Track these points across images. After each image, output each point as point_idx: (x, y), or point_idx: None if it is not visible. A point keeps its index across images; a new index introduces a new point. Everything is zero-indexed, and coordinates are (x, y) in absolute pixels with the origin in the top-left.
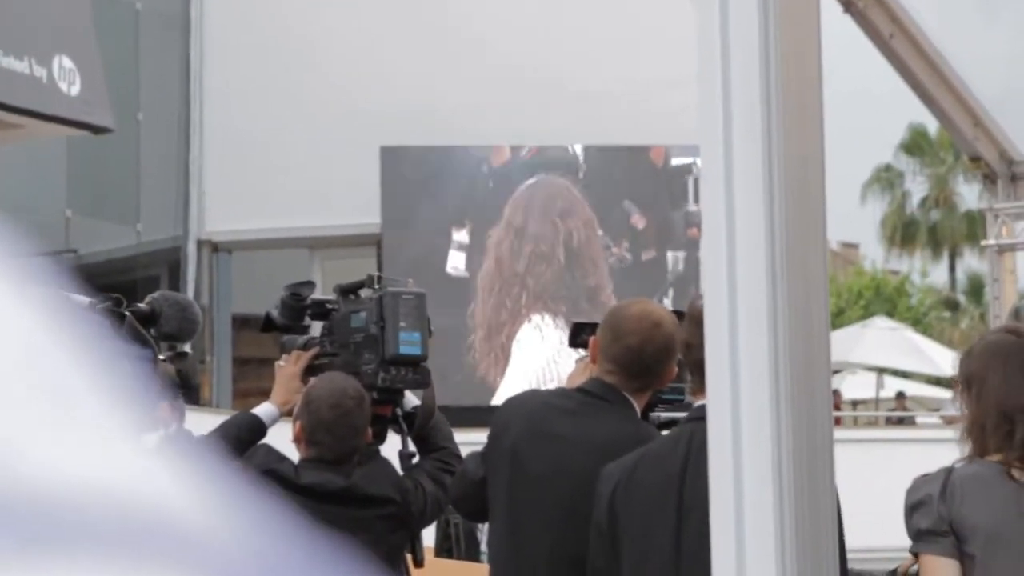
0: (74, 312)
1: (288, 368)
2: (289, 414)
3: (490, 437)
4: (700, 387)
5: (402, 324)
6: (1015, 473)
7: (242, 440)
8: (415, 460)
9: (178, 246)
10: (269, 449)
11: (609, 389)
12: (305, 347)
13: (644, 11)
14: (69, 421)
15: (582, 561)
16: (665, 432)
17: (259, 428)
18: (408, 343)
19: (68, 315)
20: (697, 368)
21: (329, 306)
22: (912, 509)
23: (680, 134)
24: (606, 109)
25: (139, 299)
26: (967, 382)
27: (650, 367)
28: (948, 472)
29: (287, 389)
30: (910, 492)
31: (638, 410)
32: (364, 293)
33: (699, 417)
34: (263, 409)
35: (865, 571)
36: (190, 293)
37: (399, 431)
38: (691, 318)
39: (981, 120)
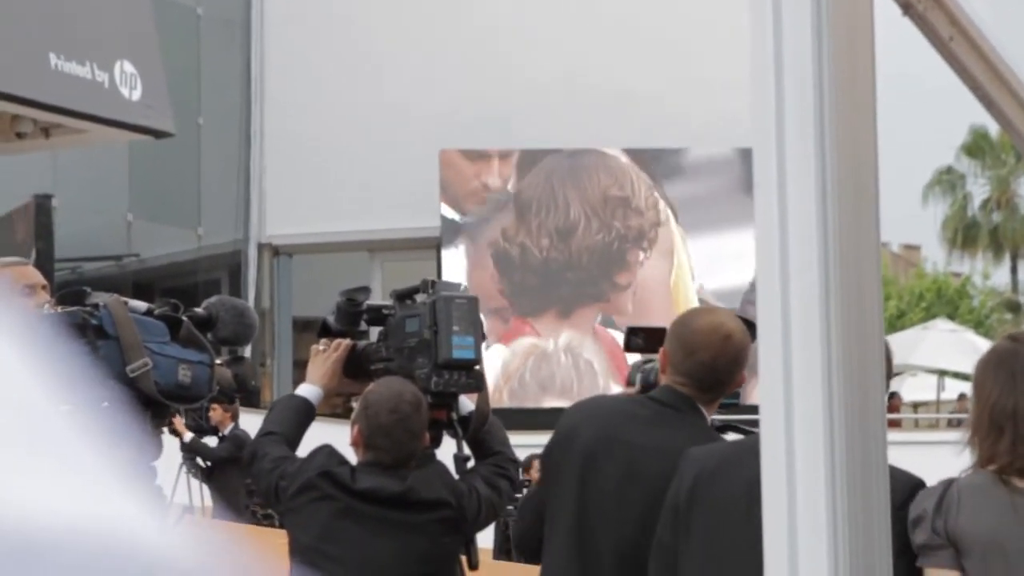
0: (50, 352)
1: (327, 353)
2: (340, 410)
3: (556, 440)
4: None
5: (455, 328)
6: (1011, 479)
7: (301, 422)
8: (470, 464)
9: (239, 250)
10: (331, 451)
11: (682, 399)
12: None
13: (694, 12)
14: (45, 462)
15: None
16: (722, 434)
17: (310, 408)
18: (461, 347)
19: (43, 356)
20: None
21: (385, 311)
22: (912, 525)
23: (733, 138)
24: (653, 112)
25: (199, 303)
26: (973, 390)
27: (722, 380)
28: (947, 484)
29: (324, 373)
30: (912, 506)
31: (708, 419)
32: (419, 298)
33: None
34: (306, 390)
35: None
36: (250, 296)
37: (454, 435)
38: None
39: None
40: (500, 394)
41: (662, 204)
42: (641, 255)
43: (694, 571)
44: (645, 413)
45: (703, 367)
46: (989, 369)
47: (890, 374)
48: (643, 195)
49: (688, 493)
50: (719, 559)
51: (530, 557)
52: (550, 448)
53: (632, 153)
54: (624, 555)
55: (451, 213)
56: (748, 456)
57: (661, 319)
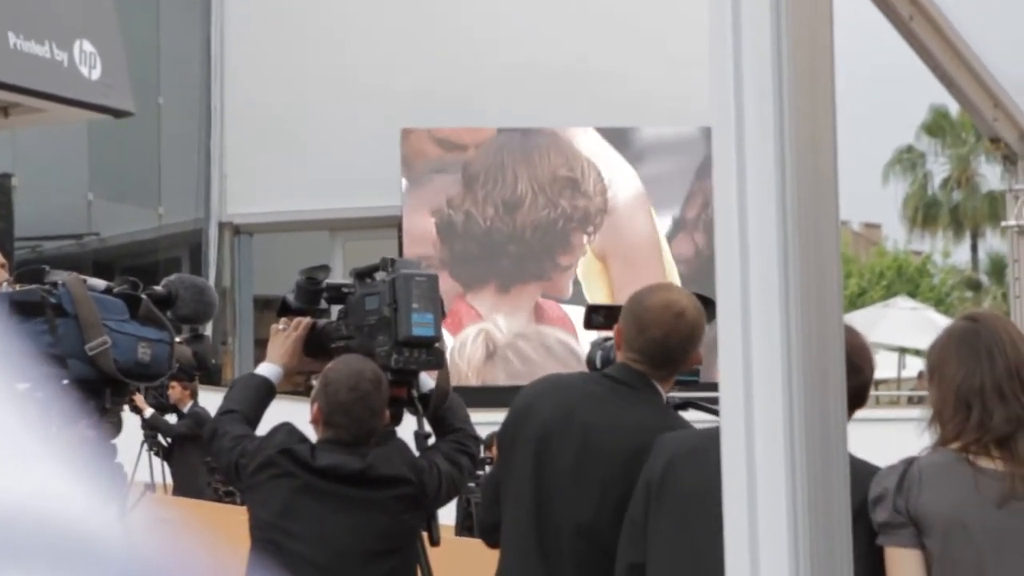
0: None
1: (287, 332)
2: (302, 388)
3: (511, 418)
4: None
5: (415, 306)
6: (973, 458)
7: (262, 401)
8: (431, 441)
9: (199, 229)
10: (291, 429)
11: (636, 376)
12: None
13: None
14: None
15: (611, 544)
16: (682, 412)
17: (270, 387)
18: (421, 324)
19: None
20: None
21: (345, 290)
22: (873, 503)
23: (690, 116)
24: (619, 91)
25: (159, 282)
26: (930, 371)
27: (674, 357)
28: (909, 463)
29: (284, 352)
30: (872, 485)
31: (664, 396)
32: (379, 276)
33: None
34: (266, 369)
35: None
36: (211, 275)
37: (414, 412)
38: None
39: (1001, 101)
40: (459, 374)
41: (610, 192)
42: (585, 238)
43: (664, 549)
44: (599, 391)
45: (655, 344)
46: (950, 349)
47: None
48: (592, 180)
49: (661, 473)
50: (690, 539)
51: (490, 539)
52: (505, 426)
53: (603, 132)
54: (582, 532)
55: (415, 192)
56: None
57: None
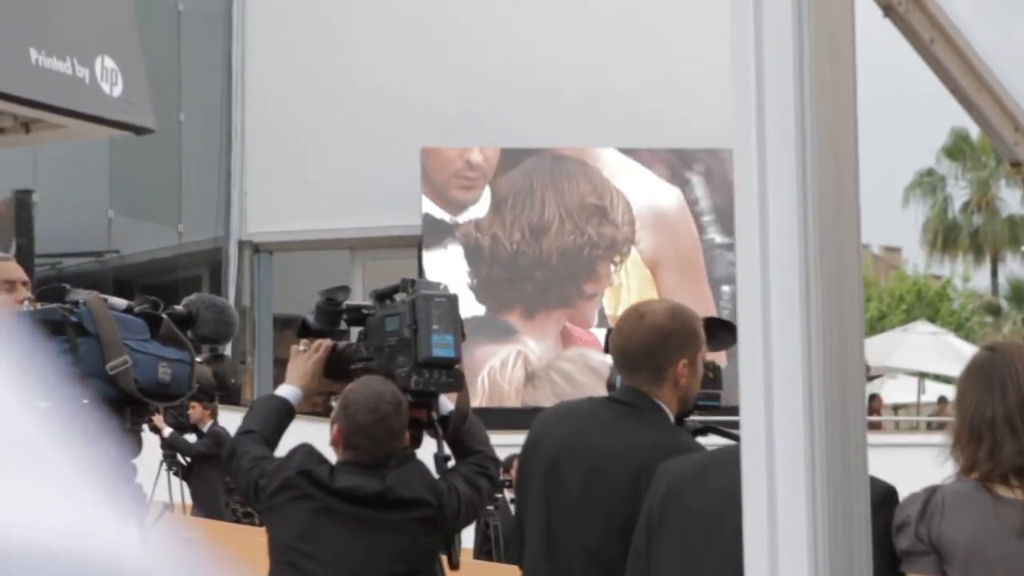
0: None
1: (307, 354)
2: (321, 408)
3: (524, 447)
4: None
5: (435, 327)
6: (992, 487)
7: (281, 422)
8: (450, 464)
9: (219, 247)
10: (311, 451)
11: (635, 394)
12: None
13: (680, 11)
14: (15, 467)
15: (620, 567)
16: (700, 438)
17: (290, 409)
18: (440, 346)
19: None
20: None
21: (365, 311)
22: (896, 530)
23: (711, 136)
24: (638, 111)
25: (179, 300)
26: (955, 401)
27: (637, 360)
28: (932, 491)
29: (304, 372)
30: (896, 512)
31: (670, 413)
32: (399, 297)
33: None
34: (286, 391)
35: None
36: (231, 294)
37: (434, 435)
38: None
39: (1022, 126)
40: (502, 395)
41: (638, 224)
42: (612, 267)
43: None
44: (606, 415)
45: (617, 350)
46: (969, 379)
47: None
48: (620, 209)
49: (662, 501)
50: (691, 567)
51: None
52: (522, 454)
53: (628, 153)
54: (591, 555)
55: (436, 211)
56: (723, 466)
57: None
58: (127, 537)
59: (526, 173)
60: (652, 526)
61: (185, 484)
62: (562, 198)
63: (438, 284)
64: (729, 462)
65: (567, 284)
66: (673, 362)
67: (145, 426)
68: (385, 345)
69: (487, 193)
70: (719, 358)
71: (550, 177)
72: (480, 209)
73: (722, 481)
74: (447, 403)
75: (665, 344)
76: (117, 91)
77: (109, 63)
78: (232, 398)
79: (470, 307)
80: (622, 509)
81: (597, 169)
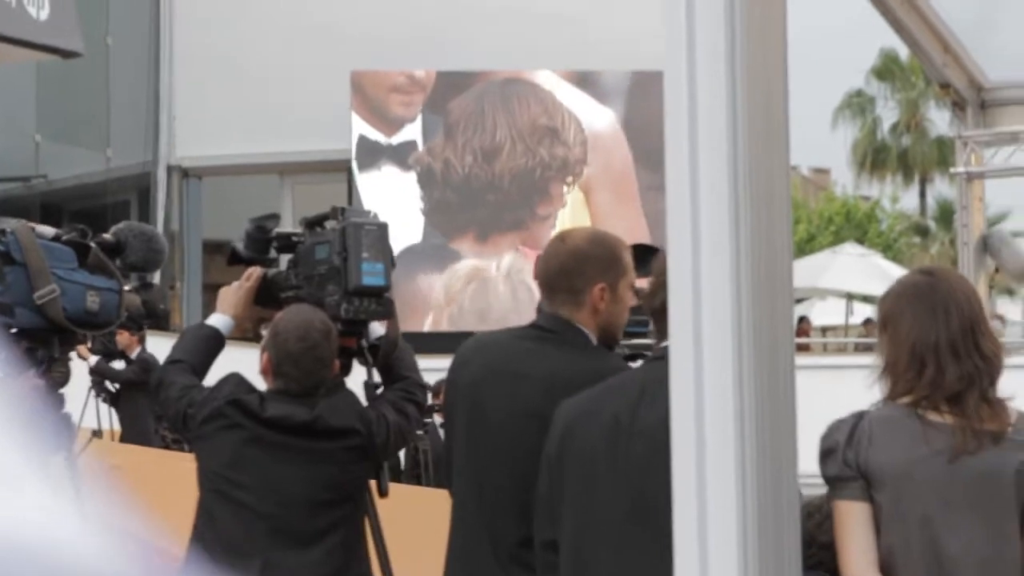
0: None
1: (238, 283)
2: (251, 334)
3: (449, 372)
4: (659, 336)
5: (364, 255)
6: (923, 413)
7: (210, 351)
8: (379, 391)
9: (148, 172)
10: (240, 380)
11: (556, 320)
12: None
13: None
14: None
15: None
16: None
17: (219, 338)
18: (371, 274)
19: None
20: (656, 316)
21: (295, 239)
22: (823, 456)
23: (642, 59)
24: (572, 34)
25: (109, 225)
26: (883, 324)
27: (555, 283)
28: (859, 417)
29: (235, 302)
30: (823, 438)
31: (592, 337)
32: (329, 225)
33: (658, 358)
34: (216, 319)
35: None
36: (160, 219)
37: (364, 363)
38: (654, 268)
39: (951, 47)
40: (440, 319)
41: (589, 144)
42: (564, 188)
43: (570, 520)
44: (526, 343)
45: (541, 273)
46: (904, 303)
47: None
48: (572, 130)
49: (558, 441)
50: (590, 503)
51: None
52: (445, 387)
53: (569, 75)
54: (518, 487)
55: (371, 132)
56: (613, 395)
57: None
58: (62, 519)
59: (477, 96)
60: (552, 467)
61: (113, 411)
62: (513, 120)
63: (368, 212)
64: (619, 390)
65: (520, 207)
66: (590, 286)
67: (72, 354)
68: (315, 273)
69: (426, 116)
70: None
71: (501, 100)
72: (414, 129)
73: (614, 410)
74: (377, 330)
75: (583, 267)
76: (44, 15)
77: None
78: (161, 324)
79: (423, 233)
80: (544, 435)
81: (549, 91)
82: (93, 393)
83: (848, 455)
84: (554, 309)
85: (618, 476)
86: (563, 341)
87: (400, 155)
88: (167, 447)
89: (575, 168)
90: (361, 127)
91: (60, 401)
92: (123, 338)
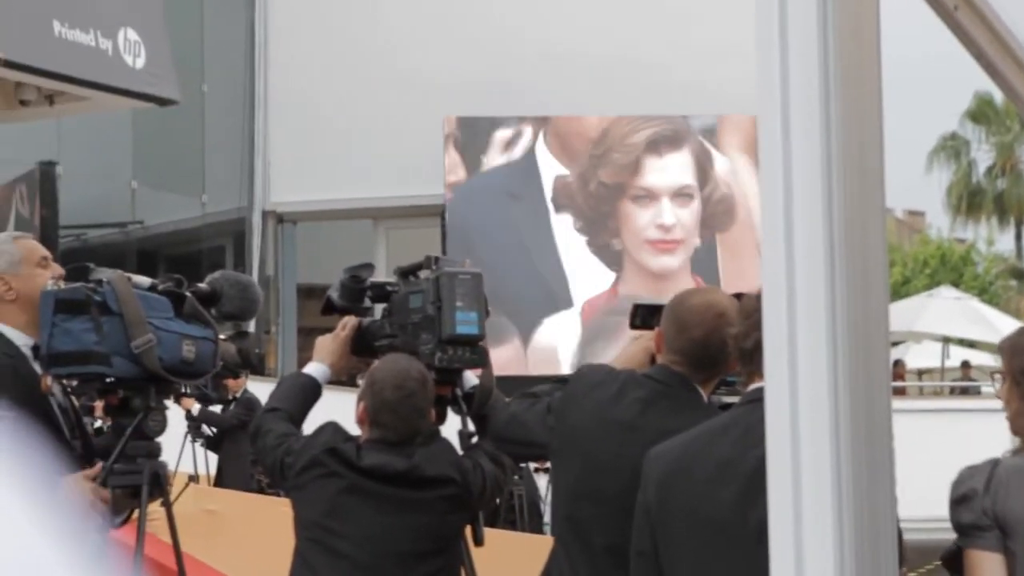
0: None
1: (334, 332)
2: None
3: (558, 411)
4: (748, 378)
5: (458, 304)
6: None
7: (308, 400)
8: (474, 440)
9: (243, 217)
10: (336, 428)
11: (676, 378)
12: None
13: None
14: None
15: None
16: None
17: (317, 387)
18: (464, 323)
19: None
20: (745, 358)
21: (389, 288)
22: (956, 503)
23: (734, 104)
24: (661, 80)
25: (205, 270)
26: (1013, 373)
27: (715, 358)
28: (994, 465)
29: (332, 350)
30: (955, 485)
31: (705, 397)
32: (423, 274)
33: (750, 400)
34: (314, 368)
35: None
36: (255, 264)
37: (458, 411)
38: (741, 310)
39: None
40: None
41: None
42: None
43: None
44: (641, 393)
45: (695, 344)
46: None
47: None
48: None
49: (657, 494)
50: (706, 555)
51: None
52: (554, 416)
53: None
54: (615, 538)
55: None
56: (712, 439)
57: None
58: None
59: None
60: (653, 522)
61: (211, 454)
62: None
63: (462, 261)
64: (717, 434)
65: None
66: (733, 361)
67: (170, 403)
68: (409, 322)
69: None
70: None
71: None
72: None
73: (713, 455)
74: (471, 379)
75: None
76: (140, 63)
77: (132, 35)
78: (257, 371)
79: None
80: None
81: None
82: (190, 439)
83: (986, 503)
84: (682, 372)
85: (730, 517)
86: (679, 399)
87: None
88: (262, 491)
89: None
90: (456, 173)
91: (157, 450)
92: (229, 383)
